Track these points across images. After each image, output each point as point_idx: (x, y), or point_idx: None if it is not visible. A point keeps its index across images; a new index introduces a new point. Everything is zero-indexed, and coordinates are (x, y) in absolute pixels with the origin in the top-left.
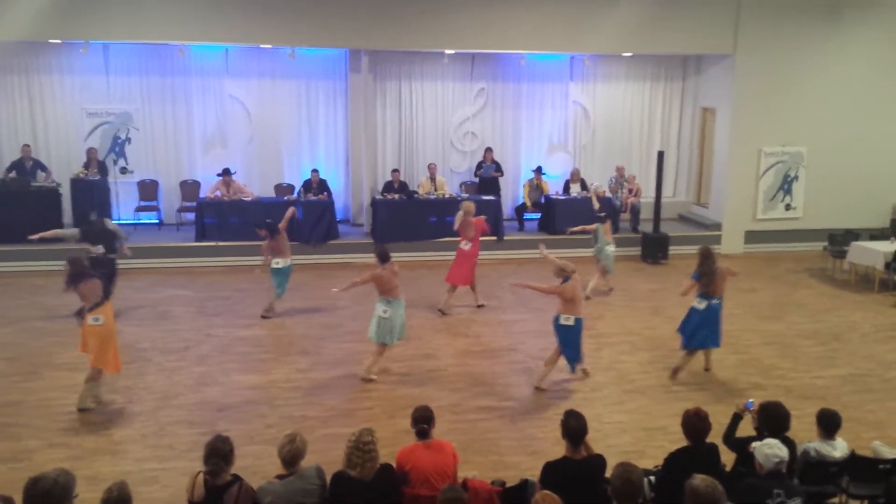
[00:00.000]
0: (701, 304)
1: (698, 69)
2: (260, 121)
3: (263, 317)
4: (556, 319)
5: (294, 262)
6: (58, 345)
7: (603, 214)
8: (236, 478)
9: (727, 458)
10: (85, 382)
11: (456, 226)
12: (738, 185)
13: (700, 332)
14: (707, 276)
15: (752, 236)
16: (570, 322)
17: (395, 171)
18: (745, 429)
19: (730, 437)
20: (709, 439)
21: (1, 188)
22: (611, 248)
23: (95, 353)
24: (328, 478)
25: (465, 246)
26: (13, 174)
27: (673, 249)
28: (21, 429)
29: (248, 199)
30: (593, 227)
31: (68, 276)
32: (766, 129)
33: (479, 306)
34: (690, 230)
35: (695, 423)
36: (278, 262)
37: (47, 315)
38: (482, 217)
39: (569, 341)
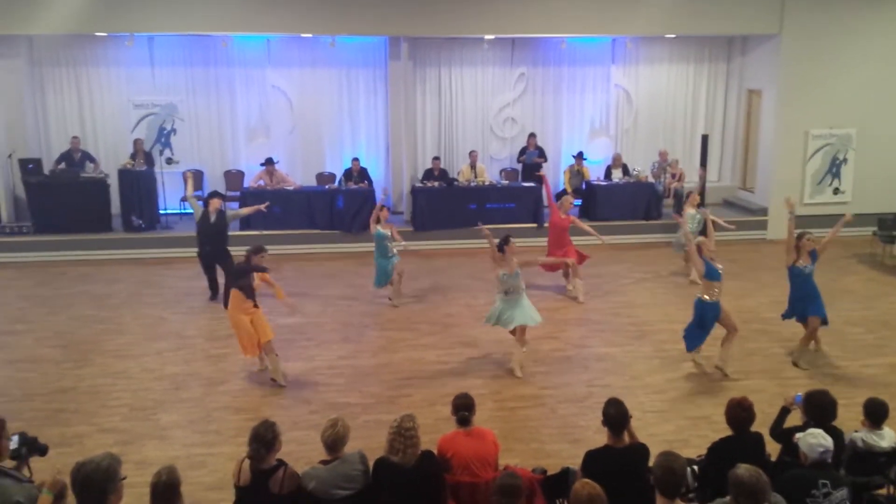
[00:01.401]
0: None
1: (744, 50)
2: (301, 110)
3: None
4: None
5: (333, 250)
6: (107, 332)
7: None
8: (281, 463)
9: (772, 447)
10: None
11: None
12: (785, 168)
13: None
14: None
15: (798, 221)
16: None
17: (435, 158)
18: (794, 422)
19: (777, 431)
20: (754, 428)
21: (51, 179)
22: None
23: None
24: (370, 464)
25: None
26: (63, 165)
27: (717, 235)
28: (72, 414)
29: (291, 188)
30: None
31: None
32: (814, 111)
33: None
34: (735, 215)
35: (739, 413)
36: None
37: (97, 304)
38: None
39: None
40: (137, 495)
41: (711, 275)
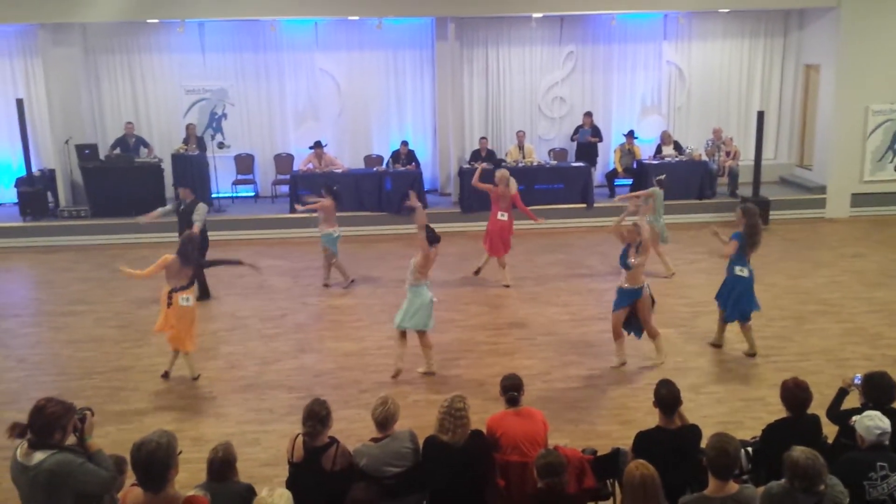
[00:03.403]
0: (744, 272)
1: (801, 24)
2: (349, 93)
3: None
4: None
5: (381, 232)
6: None
7: (663, 178)
8: (333, 440)
9: (829, 430)
10: (184, 357)
11: (491, 188)
12: (844, 145)
13: (743, 300)
14: (752, 237)
15: (858, 199)
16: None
17: (482, 138)
18: (853, 404)
19: (834, 412)
20: (810, 410)
21: (107, 164)
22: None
23: (178, 332)
24: (420, 442)
25: (502, 216)
26: (118, 151)
27: (774, 214)
28: (131, 392)
29: (340, 170)
30: (648, 192)
31: (179, 249)
32: (874, 86)
33: (506, 286)
34: (793, 194)
35: (795, 394)
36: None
37: (154, 285)
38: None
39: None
40: (194, 471)
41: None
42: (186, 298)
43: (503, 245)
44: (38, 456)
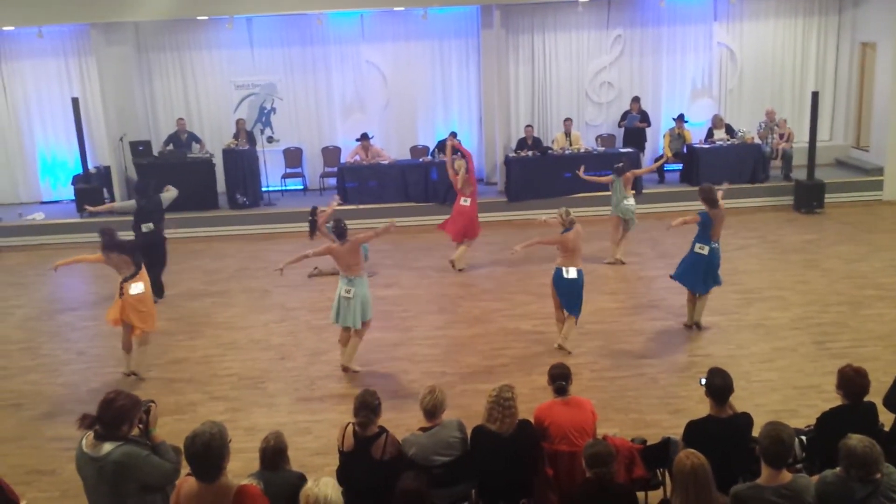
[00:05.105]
0: (703, 250)
1: (856, 1)
2: (395, 84)
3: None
4: (559, 273)
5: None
6: (217, 305)
7: (621, 165)
8: (383, 429)
9: (885, 417)
10: (140, 347)
11: (459, 184)
12: None
13: (709, 277)
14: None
15: None
16: (573, 275)
17: (528, 126)
18: None
19: (891, 400)
20: (866, 398)
21: (160, 160)
22: (629, 203)
23: (142, 319)
24: (468, 432)
25: (466, 202)
26: (170, 147)
27: (829, 197)
28: (185, 384)
29: (386, 162)
30: (608, 178)
31: (102, 244)
32: None
33: (458, 269)
34: (849, 176)
35: (854, 381)
36: None
37: (207, 278)
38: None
39: (574, 295)
40: (247, 459)
41: None
42: (137, 286)
43: (463, 231)
44: (106, 447)
